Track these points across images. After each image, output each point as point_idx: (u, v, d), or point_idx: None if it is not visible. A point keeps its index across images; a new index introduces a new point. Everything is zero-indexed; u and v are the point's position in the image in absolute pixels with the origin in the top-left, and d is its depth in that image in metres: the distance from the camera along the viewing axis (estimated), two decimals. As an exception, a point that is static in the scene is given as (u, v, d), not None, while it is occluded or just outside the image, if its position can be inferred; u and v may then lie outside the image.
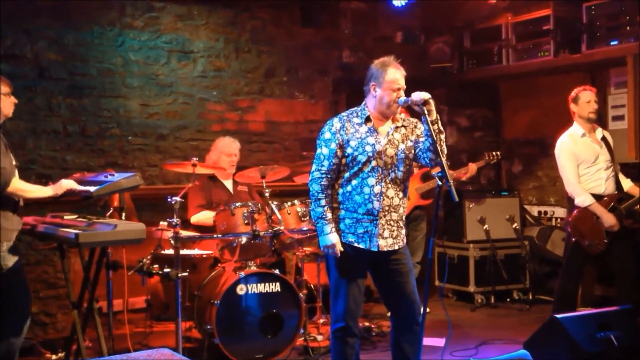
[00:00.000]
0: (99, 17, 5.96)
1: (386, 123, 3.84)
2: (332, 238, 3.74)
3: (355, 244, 3.78)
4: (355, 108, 3.89)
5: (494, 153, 6.40)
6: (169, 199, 4.57)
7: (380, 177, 3.75)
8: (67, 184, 4.13)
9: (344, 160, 3.78)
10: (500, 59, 7.08)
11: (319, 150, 3.84)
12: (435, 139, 3.60)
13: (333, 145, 3.77)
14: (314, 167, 3.84)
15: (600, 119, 5.41)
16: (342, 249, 3.76)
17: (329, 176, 3.79)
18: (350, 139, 3.76)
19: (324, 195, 3.77)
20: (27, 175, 4.76)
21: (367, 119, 3.81)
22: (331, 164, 3.77)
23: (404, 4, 7.00)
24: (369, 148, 3.74)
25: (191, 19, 6.41)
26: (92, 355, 4.62)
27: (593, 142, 5.13)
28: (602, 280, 6.24)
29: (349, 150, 3.76)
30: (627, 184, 5.21)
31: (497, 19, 7.12)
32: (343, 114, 3.89)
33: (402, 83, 3.77)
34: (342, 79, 7.26)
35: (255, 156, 6.63)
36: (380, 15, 7.45)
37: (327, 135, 3.81)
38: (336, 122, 3.82)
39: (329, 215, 3.77)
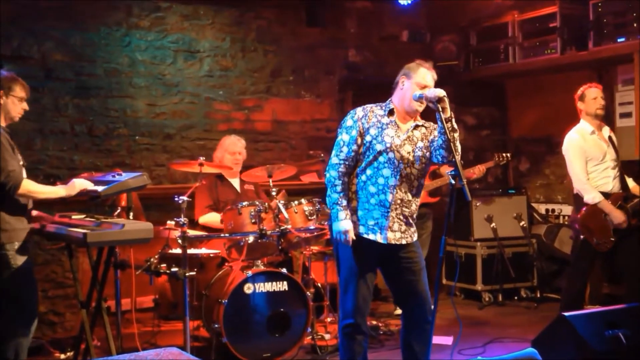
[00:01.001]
0: (106, 17, 5.98)
1: (408, 120, 3.87)
2: (345, 224, 3.74)
3: (365, 236, 3.80)
4: (381, 103, 3.92)
5: (503, 154, 6.39)
6: (176, 199, 4.58)
7: (395, 170, 3.77)
8: (80, 184, 4.14)
9: (361, 149, 3.80)
10: (506, 56, 7.07)
11: (339, 137, 3.86)
12: (448, 136, 3.60)
13: (354, 132, 3.80)
14: (333, 153, 3.86)
15: (607, 117, 5.40)
16: (354, 238, 3.77)
17: (347, 163, 3.81)
18: (371, 127, 3.80)
19: (340, 182, 3.79)
20: (34, 176, 4.77)
21: (390, 112, 3.83)
22: (350, 150, 3.80)
23: (409, 2, 6.99)
24: (387, 138, 3.77)
25: (197, 18, 6.42)
26: (100, 355, 4.63)
27: (601, 140, 5.11)
28: (610, 278, 6.23)
29: (367, 138, 3.79)
30: (629, 183, 5.20)
31: (504, 17, 7.10)
32: (367, 105, 3.92)
33: (430, 84, 3.82)
34: (348, 78, 7.26)
35: (261, 155, 6.64)
36: (385, 14, 7.44)
37: (349, 122, 3.84)
38: (359, 111, 3.86)
39: (345, 202, 3.78)
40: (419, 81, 3.79)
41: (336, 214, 3.77)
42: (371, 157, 3.78)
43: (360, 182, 3.82)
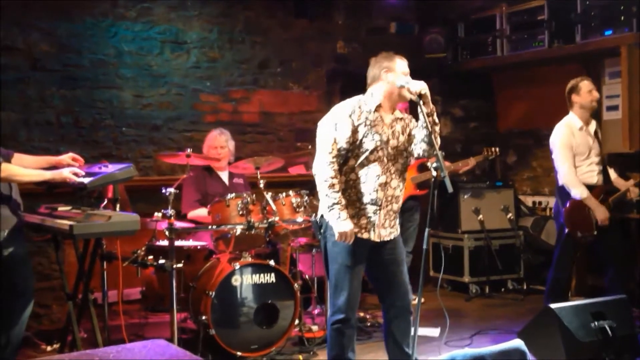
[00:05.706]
0: (92, 8, 5.94)
1: (389, 114, 3.82)
2: (348, 224, 3.67)
3: (358, 235, 3.76)
4: (361, 96, 3.83)
5: (492, 149, 6.41)
6: (163, 190, 4.56)
7: (385, 168, 3.75)
8: (68, 172, 4.11)
9: (351, 146, 3.72)
10: (494, 49, 7.08)
11: (329, 134, 3.72)
12: (430, 130, 3.61)
13: (347, 130, 3.69)
14: (322, 150, 3.71)
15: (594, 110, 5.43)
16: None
17: (338, 160, 3.71)
18: (360, 124, 3.71)
19: (337, 180, 3.67)
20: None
21: (378, 107, 3.77)
22: (342, 147, 3.70)
23: (398, -6, 6.99)
24: (376, 136, 3.72)
25: (184, 9, 6.38)
26: (87, 347, 4.60)
27: (588, 136, 5.13)
28: (595, 270, 6.26)
29: (358, 136, 3.70)
30: (612, 175, 5.25)
31: (492, 9, 7.11)
32: (352, 101, 3.80)
33: (407, 71, 3.82)
34: (336, 70, 7.25)
35: (249, 147, 6.62)
36: (374, 6, 7.44)
37: (339, 118, 3.72)
38: (348, 107, 3.75)
39: (344, 201, 3.69)
40: (402, 70, 3.77)
41: (337, 214, 3.65)
42: (362, 157, 3.71)
43: (350, 180, 3.75)
